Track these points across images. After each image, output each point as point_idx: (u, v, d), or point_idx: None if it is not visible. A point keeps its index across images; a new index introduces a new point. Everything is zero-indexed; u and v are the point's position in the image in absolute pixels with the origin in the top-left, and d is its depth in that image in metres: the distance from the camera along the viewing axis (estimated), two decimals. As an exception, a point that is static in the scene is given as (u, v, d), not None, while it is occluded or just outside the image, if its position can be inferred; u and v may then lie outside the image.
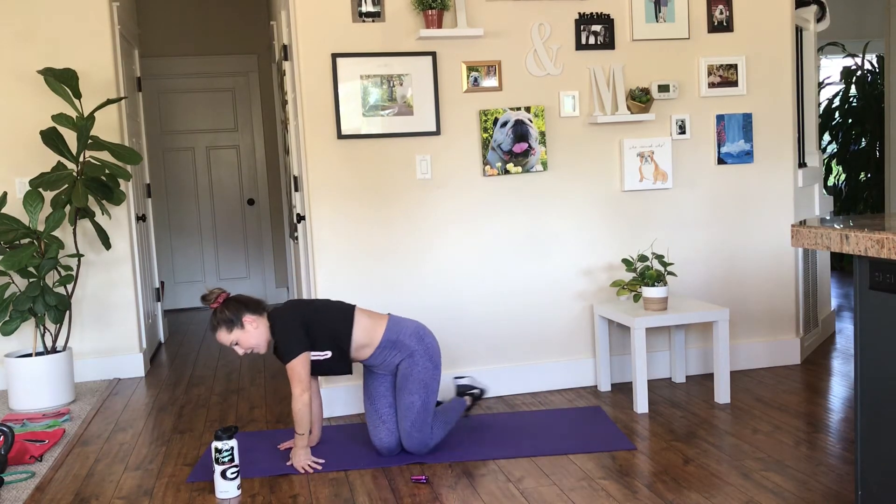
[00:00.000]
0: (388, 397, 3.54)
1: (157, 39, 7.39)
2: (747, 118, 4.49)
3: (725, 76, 4.44)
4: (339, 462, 3.45)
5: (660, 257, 4.09)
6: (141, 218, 5.59)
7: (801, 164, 4.89)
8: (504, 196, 4.26)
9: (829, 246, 2.15)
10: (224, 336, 3.35)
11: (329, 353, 3.44)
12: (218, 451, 3.11)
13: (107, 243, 4.73)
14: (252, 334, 3.36)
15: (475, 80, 4.18)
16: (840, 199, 8.01)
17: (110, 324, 5.13)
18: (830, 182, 8.23)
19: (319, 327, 3.41)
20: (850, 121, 7.86)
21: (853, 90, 7.96)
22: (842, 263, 8.00)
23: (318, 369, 3.48)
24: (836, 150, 8.00)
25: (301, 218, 4.73)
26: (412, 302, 4.19)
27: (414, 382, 3.45)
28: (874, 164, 7.74)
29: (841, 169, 8.06)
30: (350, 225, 4.11)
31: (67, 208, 4.72)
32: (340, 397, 4.14)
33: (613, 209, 4.40)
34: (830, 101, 7.97)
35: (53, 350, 4.60)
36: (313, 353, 3.42)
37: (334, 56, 4.01)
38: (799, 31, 4.93)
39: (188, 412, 4.35)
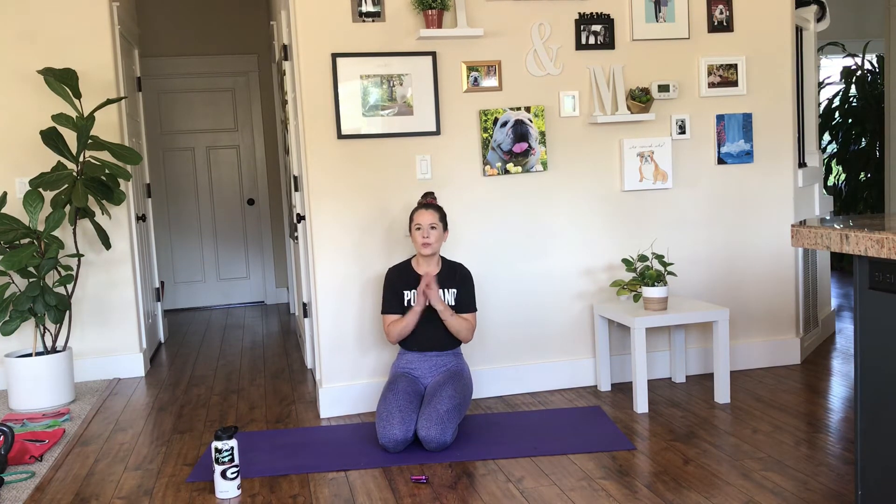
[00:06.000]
0: (411, 394, 3.63)
1: (157, 39, 7.39)
2: (747, 118, 4.49)
3: (725, 76, 4.44)
4: (339, 462, 3.45)
5: (660, 257, 4.09)
6: (141, 218, 5.59)
7: (801, 164, 4.89)
8: (504, 196, 4.26)
9: (829, 246, 2.15)
10: (434, 218, 3.78)
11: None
12: (218, 451, 3.11)
13: (107, 243, 4.73)
14: (442, 240, 3.84)
15: (475, 79, 4.18)
16: (840, 199, 8.02)
17: (110, 324, 5.14)
18: (830, 182, 8.23)
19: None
20: (850, 121, 7.86)
21: (853, 90, 7.96)
22: (842, 263, 8.00)
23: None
24: (836, 150, 8.00)
25: (301, 218, 4.73)
26: (412, 302, 4.19)
27: (461, 382, 3.72)
28: (874, 164, 7.74)
29: (841, 169, 8.06)
30: (350, 225, 4.11)
31: (67, 208, 4.73)
32: (340, 397, 4.14)
33: (613, 209, 4.40)
34: (830, 101, 7.97)
35: (53, 350, 4.61)
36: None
37: (334, 56, 4.01)
38: (799, 31, 4.93)
39: (188, 412, 4.35)
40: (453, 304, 3.82)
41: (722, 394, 4.02)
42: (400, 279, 3.83)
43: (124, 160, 4.64)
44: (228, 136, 7.63)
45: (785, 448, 3.40)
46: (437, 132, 4.15)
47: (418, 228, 3.77)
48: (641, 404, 3.94)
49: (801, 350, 4.71)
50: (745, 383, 4.34)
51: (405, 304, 3.80)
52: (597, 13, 4.28)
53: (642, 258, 4.13)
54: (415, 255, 3.89)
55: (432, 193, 3.93)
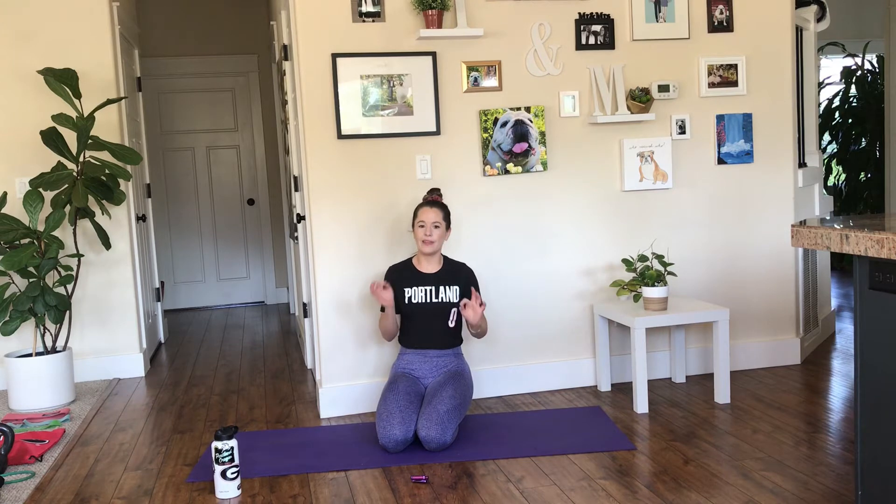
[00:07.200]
0: (412, 394, 3.63)
1: (157, 39, 7.39)
2: (747, 118, 4.49)
3: (725, 76, 4.44)
4: (339, 462, 3.45)
5: (660, 257, 4.09)
6: (141, 218, 5.59)
7: (801, 164, 4.89)
8: (504, 196, 4.26)
9: (829, 246, 2.15)
10: (438, 217, 3.77)
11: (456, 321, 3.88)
12: (218, 451, 3.11)
13: (107, 243, 4.73)
14: (444, 238, 3.83)
15: (475, 80, 4.18)
16: (840, 199, 8.02)
17: (110, 324, 5.13)
18: (830, 182, 8.23)
19: None
20: (850, 121, 7.86)
21: (853, 90, 7.96)
22: (842, 263, 8.00)
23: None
24: (836, 150, 8.00)
25: (301, 218, 4.73)
26: (412, 302, 4.19)
27: (462, 382, 3.72)
28: (874, 164, 7.74)
29: (841, 169, 8.06)
30: (350, 225, 4.11)
31: (67, 208, 4.73)
32: (340, 397, 4.14)
33: (613, 209, 4.40)
34: (830, 101, 7.97)
35: (53, 350, 4.61)
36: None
37: (334, 56, 4.01)
38: (799, 31, 4.93)
39: (188, 412, 4.35)
40: (455, 300, 3.82)
41: (722, 394, 4.02)
42: (400, 277, 3.82)
43: (124, 160, 4.64)
44: (228, 136, 7.63)
45: (785, 448, 3.40)
46: (437, 132, 4.15)
47: (421, 226, 3.76)
48: (641, 404, 3.94)
49: (801, 350, 4.71)
50: (745, 383, 4.34)
51: (406, 301, 3.80)
52: (597, 13, 4.28)
53: (642, 258, 4.13)
54: (416, 255, 3.89)
55: (438, 190, 3.92)
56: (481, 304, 3.68)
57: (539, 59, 4.24)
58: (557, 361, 4.39)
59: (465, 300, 3.71)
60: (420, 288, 3.80)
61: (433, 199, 3.86)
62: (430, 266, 3.83)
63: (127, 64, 5.50)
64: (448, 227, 3.83)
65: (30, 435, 3.93)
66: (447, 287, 3.81)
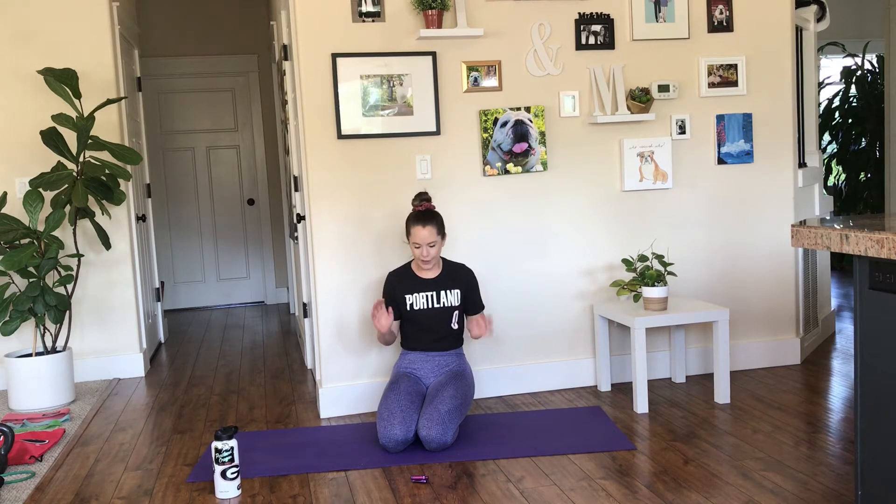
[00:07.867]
0: (413, 394, 3.63)
1: (157, 39, 7.39)
2: (747, 118, 4.49)
3: (725, 76, 4.44)
4: (340, 462, 3.45)
5: (660, 257, 4.09)
6: (141, 218, 5.59)
7: (801, 164, 4.89)
8: (504, 196, 4.26)
9: (829, 246, 2.15)
10: (433, 235, 3.69)
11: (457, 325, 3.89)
12: (218, 451, 3.11)
13: (107, 243, 4.73)
14: (441, 247, 3.78)
15: (475, 80, 4.18)
16: (840, 199, 8.02)
17: (110, 324, 5.13)
18: (830, 182, 8.23)
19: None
20: (850, 121, 7.86)
21: (853, 90, 7.96)
22: (842, 263, 8.00)
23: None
24: (836, 150, 8.00)
25: (301, 218, 4.73)
26: (412, 302, 4.18)
27: (463, 383, 3.71)
28: (874, 164, 7.74)
29: (841, 169, 8.06)
30: (350, 225, 4.11)
31: (67, 208, 4.73)
32: (340, 397, 4.14)
33: (613, 209, 4.40)
34: (830, 101, 7.97)
35: (53, 350, 4.61)
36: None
37: (334, 56, 4.01)
38: (799, 31, 4.93)
39: (188, 412, 4.35)
40: (457, 304, 3.82)
41: (722, 394, 4.02)
42: (400, 284, 3.81)
43: (124, 160, 4.64)
44: (228, 136, 7.63)
45: (785, 448, 3.40)
46: (437, 132, 4.15)
47: (417, 246, 3.70)
48: (641, 404, 3.94)
49: (801, 350, 4.71)
50: (745, 383, 4.34)
51: (408, 308, 3.80)
52: (597, 13, 4.28)
53: (642, 258, 4.13)
54: (414, 259, 3.89)
55: (426, 194, 3.83)
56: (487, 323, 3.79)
57: (539, 59, 4.24)
58: (557, 361, 4.39)
59: (476, 319, 3.83)
60: (421, 294, 3.79)
61: (424, 207, 3.76)
62: (429, 271, 3.83)
63: (127, 64, 5.50)
64: (443, 237, 3.78)
65: (30, 435, 3.93)
66: (448, 291, 3.80)
